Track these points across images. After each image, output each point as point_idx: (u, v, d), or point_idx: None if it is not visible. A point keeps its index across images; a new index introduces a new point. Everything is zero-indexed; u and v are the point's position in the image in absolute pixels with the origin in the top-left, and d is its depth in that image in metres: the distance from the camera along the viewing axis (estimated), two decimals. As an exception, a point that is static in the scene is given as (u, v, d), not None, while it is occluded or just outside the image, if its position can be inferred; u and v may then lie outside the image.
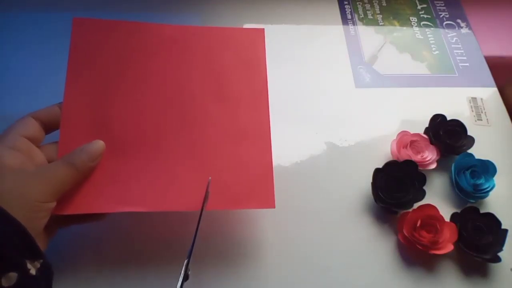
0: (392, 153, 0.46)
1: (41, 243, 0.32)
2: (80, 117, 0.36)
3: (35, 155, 0.34)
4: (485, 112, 0.52)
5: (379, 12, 0.61)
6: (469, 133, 0.47)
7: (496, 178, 0.44)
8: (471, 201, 0.44)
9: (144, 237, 0.40)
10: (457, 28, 0.60)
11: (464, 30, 0.60)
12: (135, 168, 0.36)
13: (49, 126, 0.36)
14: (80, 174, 0.34)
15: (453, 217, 0.42)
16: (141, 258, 0.39)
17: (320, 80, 0.53)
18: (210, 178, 0.36)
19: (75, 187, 0.34)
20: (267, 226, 0.42)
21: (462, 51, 0.58)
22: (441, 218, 0.41)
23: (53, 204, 0.32)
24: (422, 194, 0.42)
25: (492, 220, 0.41)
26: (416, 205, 0.41)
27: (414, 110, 0.51)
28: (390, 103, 0.52)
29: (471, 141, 0.46)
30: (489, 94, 0.53)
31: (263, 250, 0.41)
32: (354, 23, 0.60)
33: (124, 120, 0.37)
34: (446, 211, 0.42)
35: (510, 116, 0.52)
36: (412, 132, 0.46)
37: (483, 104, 0.52)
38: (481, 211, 0.42)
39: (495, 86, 0.54)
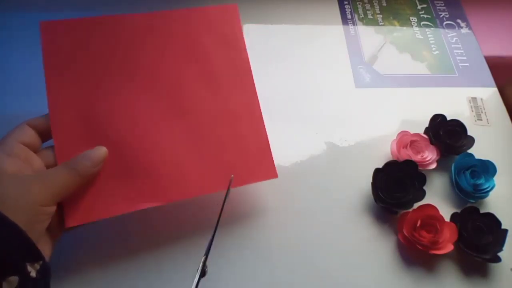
0: (392, 153, 0.46)
1: (46, 246, 0.32)
2: (71, 122, 0.36)
3: (33, 161, 0.34)
4: (485, 112, 0.52)
5: (379, 12, 0.61)
6: (469, 133, 0.47)
7: (496, 178, 0.44)
8: (471, 201, 0.44)
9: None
10: (457, 28, 0.60)
11: (464, 30, 0.60)
12: (138, 165, 0.36)
13: (45, 134, 0.36)
14: (82, 179, 0.34)
15: (453, 217, 0.42)
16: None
17: (320, 80, 0.53)
18: (232, 176, 0.37)
19: (84, 196, 0.34)
20: (267, 226, 0.42)
21: (462, 51, 0.58)
22: (441, 218, 0.41)
23: (53, 208, 0.32)
24: (422, 194, 0.42)
25: (492, 220, 0.41)
26: (416, 205, 0.41)
27: (414, 110, 0.51)
28: (390, 103, 0.52)
29: (471, 141, 0.46)
30: (489, 94, 0.53)
31: (263, 250, 0.41)
32: (354, 23, 0.60)
33: (116, 118, 0.37)
34: (446, 211, 0.42)
35: (510, 116, 0.52)
36: (412, 132, 0.46)
37: (483, 104, 0.52)
38: (481, 211, 0.41)
39: (495, 86, 0.54)
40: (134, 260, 0.39)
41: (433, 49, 0.57)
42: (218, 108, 0.39)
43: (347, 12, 0.61)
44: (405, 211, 0.42)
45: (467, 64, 0.56)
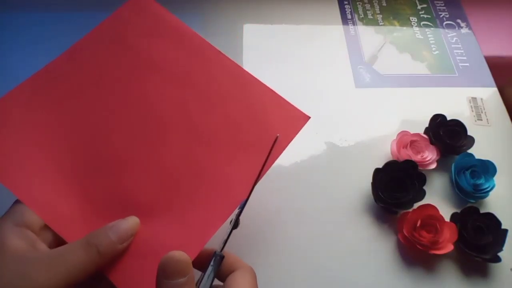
0: (392, 153, 0.46)
1: None
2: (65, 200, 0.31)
3: (46, 231, 0.29)
4: (485, 112, 0.52)
5: (379, 12, 0.61)
6: (469, 133, 0.47)
7: (496, 178, 0.44)
8: (471, 201, 0.44)
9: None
10: (457, 28, 0.60)
11: (464, 30, 0.60)
12: (166, 212, 0.32)
13: None
14: (102, 260, 0.27)
15: (453, 217, 0.42)
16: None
17: (320, 80, 0.53)
18: (278, 135, 0.35)
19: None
20: (267, 226, 0.42)
21: (462, 51, 0.58)
22: (441, 218, 0.41)
23: None
24: (422, 194, 0.42)
25: (492, 220, 0.41)
26: (416, 205, 0.41)
27: (414, 110, 0.51)
28: (390, 103, 0.52)
29: (471, 141, 0.46)
30: (489, 94, 0.53)
31: (263, 249, 0.41)
32: (354, 23, 0.60)
33: (116, 165, 0.33)
34: (446, 211, 0.42)
35: (510, 116, 0.52)
36: (412, 132, 0.46)
37: (483, 104, 0.52)
38: (481, 211, 0.41)
39: (495, 86, 0.54)
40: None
41: (433, 49, 0.57)
42: (228, 127, 0.36)
43: (347, 12, 0.61)
44: (405, 211, 0.42)
45: (467, 64, 0.56)
